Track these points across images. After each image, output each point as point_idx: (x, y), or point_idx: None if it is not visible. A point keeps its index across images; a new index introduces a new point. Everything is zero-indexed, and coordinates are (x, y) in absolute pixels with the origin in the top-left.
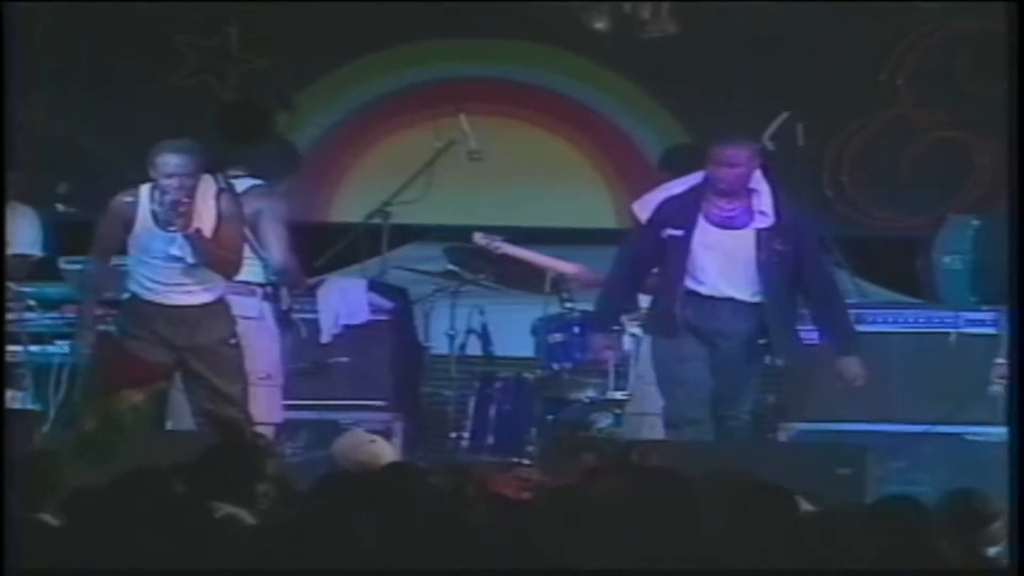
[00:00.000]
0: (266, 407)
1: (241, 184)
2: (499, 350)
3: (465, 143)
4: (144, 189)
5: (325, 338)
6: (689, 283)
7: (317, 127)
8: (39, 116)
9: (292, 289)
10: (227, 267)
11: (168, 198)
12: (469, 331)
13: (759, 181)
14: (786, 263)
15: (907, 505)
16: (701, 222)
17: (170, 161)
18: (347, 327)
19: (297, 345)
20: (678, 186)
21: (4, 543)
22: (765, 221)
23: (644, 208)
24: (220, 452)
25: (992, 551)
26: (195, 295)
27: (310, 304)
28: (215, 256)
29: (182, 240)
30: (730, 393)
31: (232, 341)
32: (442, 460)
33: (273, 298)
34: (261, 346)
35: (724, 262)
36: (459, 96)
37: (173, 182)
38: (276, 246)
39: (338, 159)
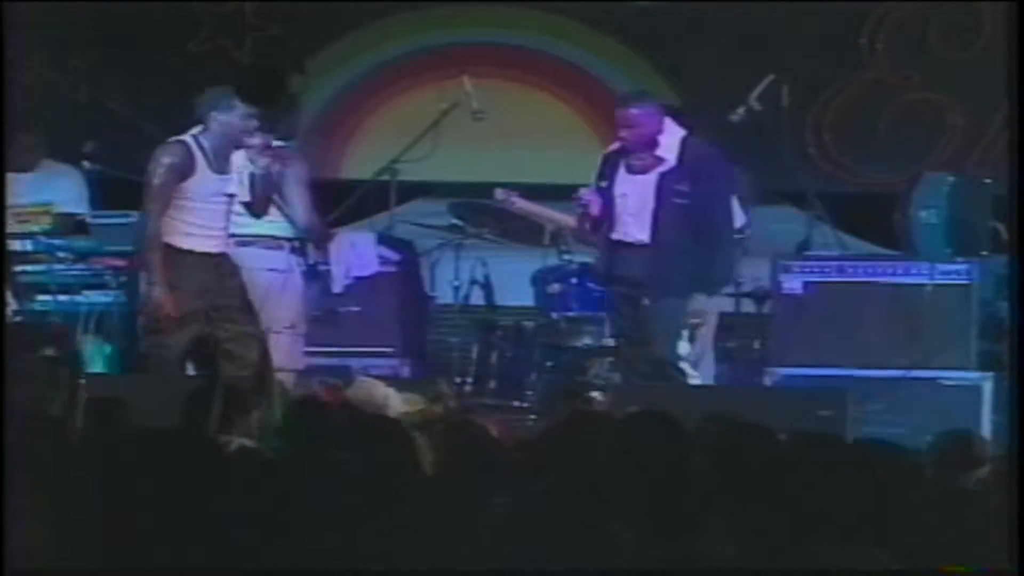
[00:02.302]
0: (289, 354)
1: None
2: (500, 300)
3: (468, 104)
4: (189, 137)
5: (337, 288)
6: (613, 234)
7: (328, 89)
8: (66, 79)
9: (318, 244)
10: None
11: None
12: (472, 282)
13: (669, 129)
14: (687, 205)
15: (892, 446)
16: (622, 173)
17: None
18: (357, 278)
19: (313, 295)
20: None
21: (4, 543)
22: (666, 165)
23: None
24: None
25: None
26: (223, 242)
27: (323, 256)
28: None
29: (237, 178)
30: (658, 340)
31: (255, 288)
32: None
33: (300, 252)
34: (287, 297)
35: (635, 207)
36: (462, 60)
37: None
38: (300, 206)
39: (348, 119)
